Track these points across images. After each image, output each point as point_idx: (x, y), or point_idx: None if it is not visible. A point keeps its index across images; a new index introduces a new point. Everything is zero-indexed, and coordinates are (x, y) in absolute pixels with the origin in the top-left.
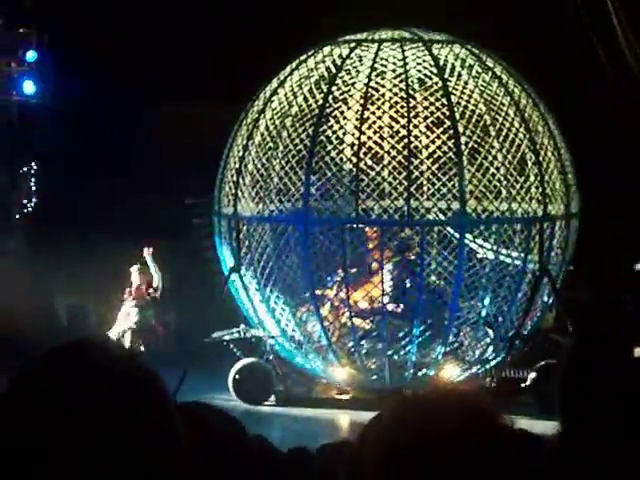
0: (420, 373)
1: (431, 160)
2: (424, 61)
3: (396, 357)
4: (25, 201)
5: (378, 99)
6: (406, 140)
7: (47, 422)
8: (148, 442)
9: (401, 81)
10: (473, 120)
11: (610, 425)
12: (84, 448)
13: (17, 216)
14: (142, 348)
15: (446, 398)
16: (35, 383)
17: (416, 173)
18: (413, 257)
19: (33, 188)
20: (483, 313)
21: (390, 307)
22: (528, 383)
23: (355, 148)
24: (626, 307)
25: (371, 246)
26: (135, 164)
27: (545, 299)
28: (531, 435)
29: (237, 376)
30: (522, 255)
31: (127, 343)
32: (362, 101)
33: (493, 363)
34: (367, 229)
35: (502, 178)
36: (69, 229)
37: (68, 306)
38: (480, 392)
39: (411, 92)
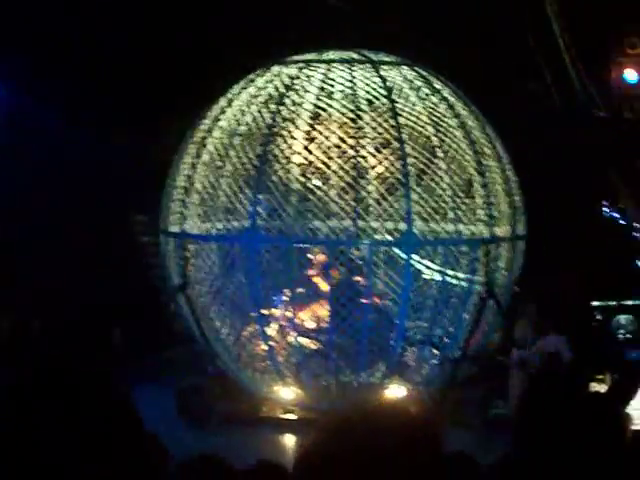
0: (366, 393)
1: (379, 181)
2: (372, 82)
3: (342, 377)
4: None
5: (326, 119)
6: (354, 160)
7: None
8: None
9: (349, 102)
10: (420, 141)
11: (559, 457)
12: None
13: None
14: None
15: (386, 416)
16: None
17: (364, 193)
18: (361, 279)
19: None
20: (429, 333)
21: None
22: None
23: (303, 168)
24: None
25: (316, 267)
26: (82, 184)
27: (491, 320)
28: (467, 457)
29: (181, 395)
30: (468, 276)
31: None
32: (310, 121)
33: (438, 384)
34: (313, 249)
35: (449, 199)
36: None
37: (11, 322)
38: (423, 410)
39: (359, 113)
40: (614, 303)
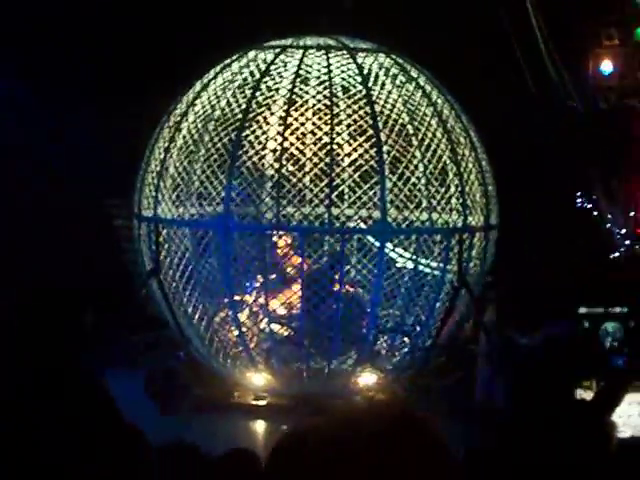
0: (337, 380)
1: (353, 168)
2: (348, 69)
3: (313, 364)
4: None
5: (302, 105)
6: (329, 147)
7: None
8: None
9: (325, 88)
10: (396, 129)
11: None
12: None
13: None
14: None
15: (373, 413)
16: None
17: (338, 181)
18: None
19: None
20: (401, 322)
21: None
22: (443, 392)
23: (277, 154)
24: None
25: (289, 254)
26: (54, 164)
27: (463, 309)
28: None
29: (153, 380)
30: (441, 265)
31: None
32: (285, 107)
33: (409, 372)
34: (287, 236)
35: (423, 188)
36: None
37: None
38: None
39: (335, 100)
40: (601, 310)
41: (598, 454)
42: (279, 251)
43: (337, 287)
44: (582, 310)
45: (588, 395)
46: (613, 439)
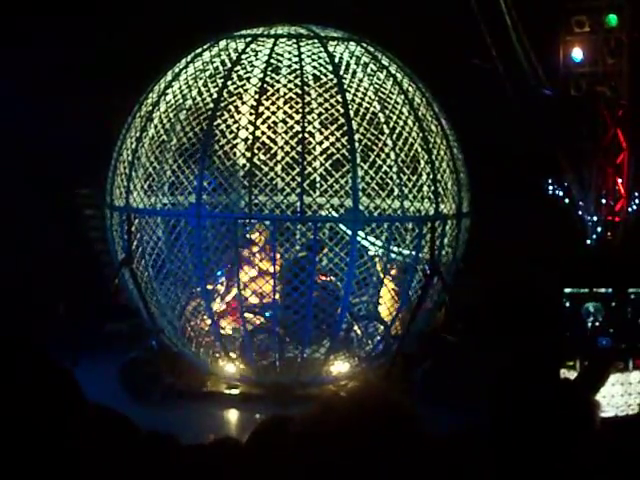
0: (310, 369)
1: (325, 156)
2: (319, 58)
3: (286, 352)
4: None
5: (273, 94)
6: (300, 136)
7: None
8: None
9: (296, 77)
10: (367, 118)
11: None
12: None
13: None
14: None
15: (353, 401)
16: None
17: (309, 169)
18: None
19: None
20: (373, 310)
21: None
22: (416, 379)
23: (249, 143)
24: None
25: (262, 243)
26: (23, 153)
27: (435, 297)
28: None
29: (125, 369)
30: (413, 253)
31: None
32: (257, 96)
33: (382, 359)
34: (259, 225)
35: (395, 176)
36: None
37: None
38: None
39: (306, 88)
40: (585, 290)
41: (581, 434)
42: (258, 245)
43: (309, 275)
44: (566, 290)
45: (572, 375)
46: (597, 419)
